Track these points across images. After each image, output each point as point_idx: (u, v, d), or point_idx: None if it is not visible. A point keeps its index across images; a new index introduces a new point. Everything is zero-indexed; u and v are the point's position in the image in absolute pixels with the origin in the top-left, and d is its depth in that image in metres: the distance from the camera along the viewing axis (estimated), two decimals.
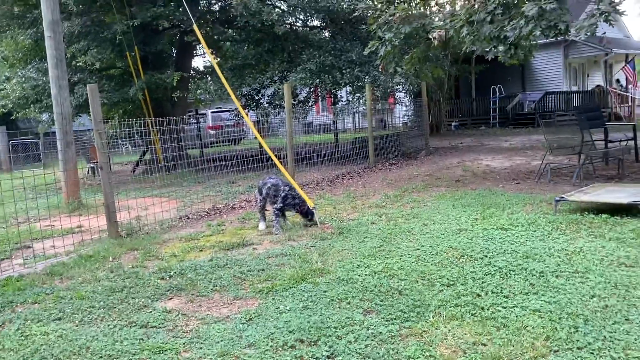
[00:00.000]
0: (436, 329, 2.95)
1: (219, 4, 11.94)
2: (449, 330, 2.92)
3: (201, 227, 6.35)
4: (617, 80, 25.48)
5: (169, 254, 5.13)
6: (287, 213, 5.96)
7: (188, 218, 6.90)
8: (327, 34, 11.96)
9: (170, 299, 3.90)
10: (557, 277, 3.60)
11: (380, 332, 2.96)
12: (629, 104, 23.31)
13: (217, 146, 19.68)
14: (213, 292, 3.93)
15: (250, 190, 9.18)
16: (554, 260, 3.93)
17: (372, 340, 2.88)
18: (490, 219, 5.42)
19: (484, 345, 2.71)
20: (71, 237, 6.49)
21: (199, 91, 14.86)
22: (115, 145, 18.37)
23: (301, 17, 11.61)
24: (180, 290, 4.03)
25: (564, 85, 23.42)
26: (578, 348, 2.61)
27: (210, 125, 24.69)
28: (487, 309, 3.15)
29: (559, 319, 2.94)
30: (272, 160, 7.01)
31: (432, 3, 7.40)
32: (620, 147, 8.07)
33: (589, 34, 5.01)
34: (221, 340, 3.05)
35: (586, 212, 5.29)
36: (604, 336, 2.71)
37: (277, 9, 11.66)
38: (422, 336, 2.89)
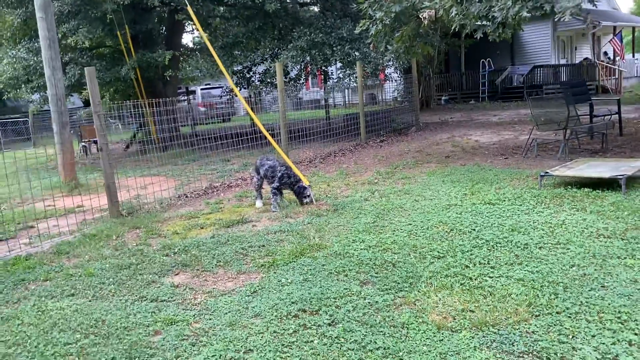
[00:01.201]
0: (428, 297, 3.20)
1: None
2: (440, 299, 3.16)
3: (200, 206, 6.55)
4: (605, 53, 25.64)
5: (171, 232, 5.33)
6: (283, 191, 6.16)
7: (186, 196, 7.09)
8: (317, 10, 11.96)
9: (177, 274, 4.12)
10: (540, 249, 3.85)
11: (376, 302, 3.20)
12: (616, 76, 23.53)
13: (208, 123, 19.75)
14: (217, 267, 4.15)
15: (244, 168, 9.36)
16: (538, 233, 4.19)
17: (369, 309, 3.12)
18: (478, 194, 5.67)
19: (472, 312, 2.96)
20: (73, 216, 6.65)
21: (189, 68, 14.87)
22: (106, 124, 18.41)
23: None
24: (186, 266, 4.24)
25: (553, 59, 23.56)
26: (557, 313, 2.87)
27: (201, 102, 24.67)
28: (475, 279, 3.40)
29: (541, 287, 3.20)
30: (265, 137, 7.18)
31: None
32: (604, 121, 8.30)
33: (574, 13, 5.19)
34: (229, 312, 3.28)
35: (569, 187, 5.54)
36: (581, 302, 2.97)
37: None
38: (415, 304, 3.13)
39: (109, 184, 6.04)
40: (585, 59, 24.05)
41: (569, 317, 2.81)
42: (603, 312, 2.82)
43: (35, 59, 10.98)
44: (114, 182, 6.08)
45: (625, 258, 3.54)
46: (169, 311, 3.39)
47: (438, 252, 3.96)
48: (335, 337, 2.81)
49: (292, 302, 3.29)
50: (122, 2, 10.38)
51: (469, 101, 22.13)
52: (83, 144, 14.83)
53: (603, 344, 2.52)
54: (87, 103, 15.26)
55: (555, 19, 5.56)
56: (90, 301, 3.72)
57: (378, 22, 7.41)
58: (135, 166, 10.15)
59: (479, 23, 6.24)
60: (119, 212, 6.18)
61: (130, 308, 3.50)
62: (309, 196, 5.89)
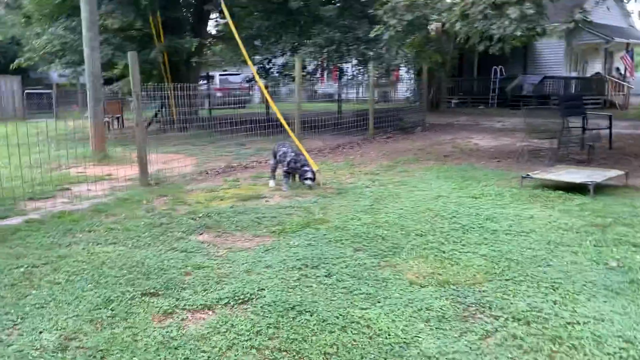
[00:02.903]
0: (406, 263, 3.97)
1: None
2: (416, 265, 3.93)
3: (219, 182, 7.34)
4: (617, 69, 26.07)
5: (195, 201, 6.12)
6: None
7: (207, 173, 7.88)
8: (335, 10, 12.66)
9: (201, 234, 4.90)
10: (506, 235, 4.60)
11: (365, 263, 3.97)
12: (624, 92, 24.02)
13: (224, 108, 20.54)
14: (236, 230, 4.94)
15: (258, 153, 10.14)
16: (507, 223, 4.94)
17: (358, 267, 3.89)
18: (465, 189, 6.42)
19: (439, 275, 3.72)
20: (103, 183, 7.46)
21: (213, 57, 15.64)
22: (127, 102, 19.23)
23: None
24: (209, 228, 5.03)
25: (564, 71, 24.05)
26: (506, 279, 3.63)
27: (218, 87, 25.44)
28: (447, 253, 4.16)
29: (498, 261, 3.95)
30: (278, 125, 7.93)
31: None
32: (592, 134, 8.99)
33: (561, 37, 5.89)
34: (245, 262, 4.06)
35: (547, 189, 6.28)
36: (527, 273, 3.72)
37: None
38: (395, 267, 3.90)
39: (141, 155, 6.84)
40: (597, 73, 24.56)
41: (514, 283, 3.57)
42: (542, 282, 3.57)
43: (72, 36, 11.78)
44: (145, 154, 6.87)
45: (573, 246, 4.28)
46: (196, 259, 4.18)
47: (421, 231, 4.73)
48: (330, 284, 3.58)
49: (297, 259, 4.07)
50: None
51: (478, 106, 22.76)
52: (106, 119, 15.63)
53: (535, 301, 3.28)
54: (108, 81, 16.02)
55: (541, 41, 6.23)
56: (130, 249, 4.51)
57: (391, 28, 8.14)
58: (156, 143, 10.95)
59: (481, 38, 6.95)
60: (147, 182, 6.97)
61: (164, 255, 4.29)
62: (308, 178, 6.57)
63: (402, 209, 5.54)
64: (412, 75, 17.19)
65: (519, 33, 6.14)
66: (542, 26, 5.99)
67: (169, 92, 11.10)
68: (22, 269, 4.01)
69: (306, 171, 6.58)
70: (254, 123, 10.77)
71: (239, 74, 25.65)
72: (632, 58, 24.41)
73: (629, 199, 5.79)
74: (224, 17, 11.69)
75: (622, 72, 25.04)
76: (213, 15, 16.50)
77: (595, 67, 25.64)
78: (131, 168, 7.96)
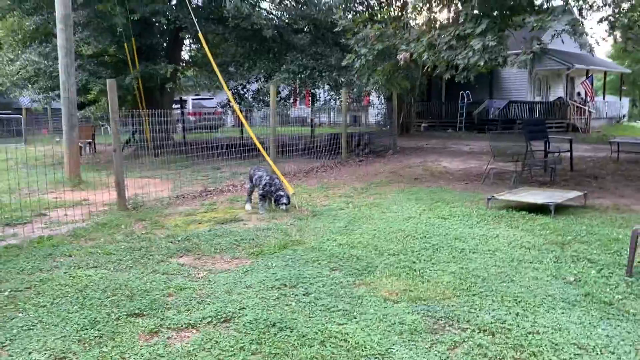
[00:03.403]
0: (380, 281, 4.19)
1: (212, 4, 12.94)
2: (389, 282, 4.15)
3: (196, 205, 7.48)
4: (578, 93, 27.16)
5: (173, 225, 6.25)
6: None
7: (183, 197, 8.01)
8: (308, 38, 13.05)
9: (181, 257, 5.04)
10: (473, 253, 4.88)
11: (341, 282, 4.18)
12: (586, 116, 25.04)
13: (197, 133, 20.65)
14: (215, 253, 5.09)
15: (234, 176, 10.30)
16: (475, 242, 5.22)
17: (335, 285, 4.09)
18: (435, 210, 6.71)
19: (411, 291, 3.95)
20: (80, 208, 7.51)
21: (187, 82, 15.84)
22: (97, 127, 19.17)
23: (287, 21, 12.71)
24: (188, 251, 5.17)
25: (529, 95, 25.01)
26: (473, 294, 3.88)
27: (191, 112, 25.57)
28: (418, 271, 4.40)
29: (466, 278, 4.21)
30: (253, 149, 8.13)
31: (402, 24, 8.57)
32: (553, 157, 9.45)
33: (520, 66, 6.30)
34: (226, 283, 4.22)
35: (511, 209, 6.62)
36: (492, 289, 3.98)
37: (264, 12, 12.74)
38: (370, 285, 4.12)
39: (119, 180, 6.94)
40: (559, 98, 25.57)
41: (480, 297, 3.82)
42: (505, 296, 3.84)
43: (45, 62, 11.84)
44: (123, 179, 6.98)
45: (534, 263, 4.58)
46: (178, 281, 4.32)
47: (393, 251, 4.97)
48: (308, 302, 3.78)
49: (276, 279, 4.25)
50: (132, 18, 11.34)
51: (447, 129, 23.41)
52: (80, 143, 15.59)
53: (499, 314, 3.53)
54: (79, 106, 16.03)
55: (505, 68, 6.62)
56: (112, 272, 4.62)
57: (362, 57, 8.49)
58: (130, 169, 11.02)
59: (446, 67, 7.34)
60: (125, 206, 7.07)
61: (147, 278, 4.42)
62: (283, 204, 6.79)
63: (375, 229, 5.78)
64: (383, 100, 17.67)
65: (481, 63, 6.54)
66: (503, 57, 6.41)
67: (144, 117, 11.23)
68: (5, 293, 4.09)
69: (281, 196, 6.78)
70: (228, 147, 10.96)
71: (212, 99, 25.86)
72: (591, 83, 25.48)
73: (587, 219, 6.16)
74: (199, 44, 11.94)
75: (583, 97, 26.11)
76: (186, 42, 16.77)
77: (558, 92, 26.71)
78: (107, 193, 8.04)
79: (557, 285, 4.05)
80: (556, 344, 3.10)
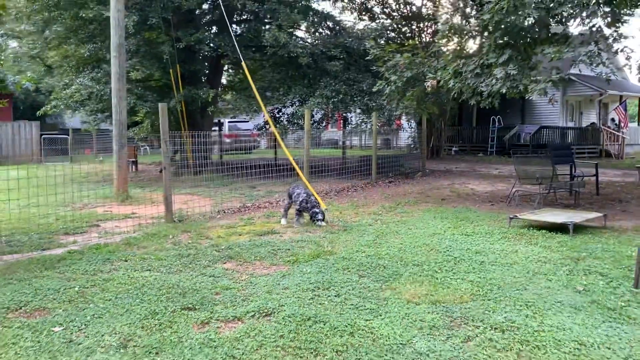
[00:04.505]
0: (404, 286, 4.64)
1: (251, 33, 13.77)
2: (412, 288, 4.60)
3: (235, 220, 8.06)
4: (612, 120, 27.05)
5: (216, 236, 6.83)
6: (305, 215, 7.66)
7: (224, 212, 8.62)
8: (341, 65, 13.69)
9: (225, 263, 5.59)
10: (492, 265, 5.28)
11: (369, 286, 4.65)
12: (619, 142, 24.94)
13: (232, 153, 21.49)
14: (255, 260, 5.63)
15: (269, 194, 10.90)
16: (494, 256, 5.62)
17: (363, 289, 4.56)
18: (459, 228, 7.12)
19: (432, 295, 4.39)
20: (129, 220, 8.18)
21: (227, 105, 16.68)
22: (138, 147, 20.22)
23: (321, 49, 13.40)
24: (231, 258, 5.72)
25: (561, 121, 25.05)
26: (488, 299, 4.29)
27: (227, 133, 26.54)
28: (440, 279, 4.84)
29: (483, 286, 4.62)
30: (285, 170, 8.71)
31: (430, 53, 9.09)
32: (578, 181, 9.73)
33: (540, 94, 6.73)
34: (266, 285, 4.74)
35: (532, 228, 6.97)
36: (506, 295, 4.39)
37: (300, 41, 13.48)
38: (394, 290, 4.57)
39: (167, 195, 7.59)
40: (592, 123, 25.54)
41: (495, 302, 4.24)
42: (518, 301, 4.24)
43: (97, 87, 12.78)
44: (171, 194, 7.63)
45: (548, 275, 4.96)
46: (223, 282, 4.86)
47: (418, 262, 5.41)
48: (339, 302, 4.26)
49: (310, 283, 4.75)
50: (178, 46, 12.20)
51: (477, 154, 23.67)
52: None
53: (510, 316, 3.94)
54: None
55: (527, 97, 7.06)
56: (164, 274, 5.20)
57: (392, 83, 9.03)
58: (173, 185, 11.73)
59: (472, 94, 7.81)
60: (172, 219, 7.70)
61: (196, 279, 4.97)
62: (319, 220, 7.34)
63: (401, 243, 6.24)
64: (413, 124, 18.14)
65: (504, 90, 6.99)
66: (524, 84, 6.84)
67: (186, 138, 11.99)
68: (75, 289, 4.70)
69: (317, 212, 7.33)
70: (263, 167, 11.59)
71: (247, 121, 26.80)
72: (625, 109, 25.41)
73: (604, 238, 6.47)
74: (240, 70, 12.68)
75: (617, 123, 26.00)
76: (226, 67, 17.67)
77: (591, 117, 26.66)
78: (153, 207, 8.72)
79: (567, 293, 4.43)
80: (559, 340, 3.50)
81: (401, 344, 3.48)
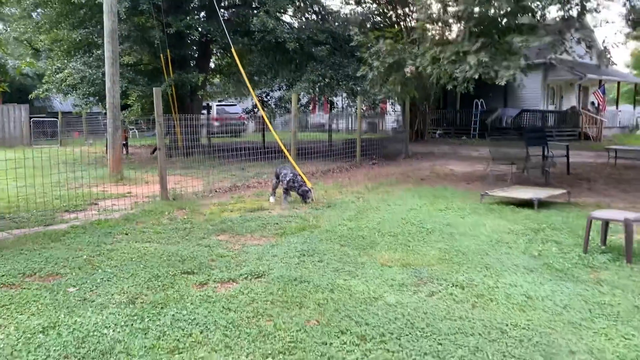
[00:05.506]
0: (379, 253, 5.20)
1: (239, 18, 14.13)
2: (387, 254, 5.16)
3: (226, 198, 8.56)
4: (592, 103, 27.73)
5: (209, 212, 7.34)
6: (292, 193, 8.19)
7: (216, 191, 9.11)
8: (327, 50, 14.12)
9: (219, 235, 6.11)
10: (461, 236, 5.86)
11: (348, 253, 5.20)
12: (597, 125, 25.67)
13: (220, 136, 21.86)
14: (246, 233, 6.15)
15: (258, 175, 11.38)
16: (463, 228, 6.20)
17: (343, 256, 5.11)
18: (435, 204, 7.70)
19: (404, 260, 4.96)
20: (126, 199, 8.64)
21: (215, 89, 17.05)
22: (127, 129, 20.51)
23: (308, 35, 13.81)
24: (224, 231, 6.24)
25: (542, 104, 25.68)
26: (453, 263, 4.87)
27: (215, 117, 26.84)
28: (412, 247, 5.40)
29: (449, 252, 5.20)
30: (273, 152, 9.20)
31: (411, 40, 9.58)
32: (549, 161, 10.34)
33: (508, 80, 7.29)
34: (257, 253, 5.27)
35: (502, 204, 7.57)
36: (469, 259, 4.96)
37: (287, 27, 13.89)
38: (371, 256, 5.13)
39: (162, 174, 8.06)
40: (572, 107, 26.24)
41: (459, 265, 4.81)
42: (479, 264, 4.82)
43: (90, 71, 13.11)
44: (165, 173, 8.10)
45: (510, 243, 5.54)
46: (218, 251, 5.38)
47: (393, 233, 5.97)
48: (322, 266, 4.81)
49: (297, 251, 5.28)
50: (168, 31, 12.55)
51: (460, 137, 24.27)
52: None
53: (470, 276, 4.51)
54: None
55: (497, 82, 7.60)
56: (163, 245, 5.70)
57: (375, 69, 9.52)
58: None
59: (449, 80, 8.34)
60: (167, 197, 8.18)
61: (193, 249, 5.49)
62: (308, 198, 7.88)
63: (380, 218, 6.79)
64: (398, 109, 18.66)
65: (476, 76, 7.52)
66: (495, 71, 7.38)
67: (176, 121, 12.40)
68: (83, 257, 5.19)
69: (306, 191, 7.85)
70: (252, 150, 12.07)
71: (235, 105, 27.14)
72: (603, 93, 26.09)
73: (566, 212, 7.08)
74: (228, 54, 13.07)
75: (596, 106, 26.70)
76: (214, 51, 18.00)
77: (571, 101, 27.35)
78: (147, 187, 9.18)
79: (523, 258, 5.02)
80: (509, 294, 4.07)
81: (374, 298, 4.04)
